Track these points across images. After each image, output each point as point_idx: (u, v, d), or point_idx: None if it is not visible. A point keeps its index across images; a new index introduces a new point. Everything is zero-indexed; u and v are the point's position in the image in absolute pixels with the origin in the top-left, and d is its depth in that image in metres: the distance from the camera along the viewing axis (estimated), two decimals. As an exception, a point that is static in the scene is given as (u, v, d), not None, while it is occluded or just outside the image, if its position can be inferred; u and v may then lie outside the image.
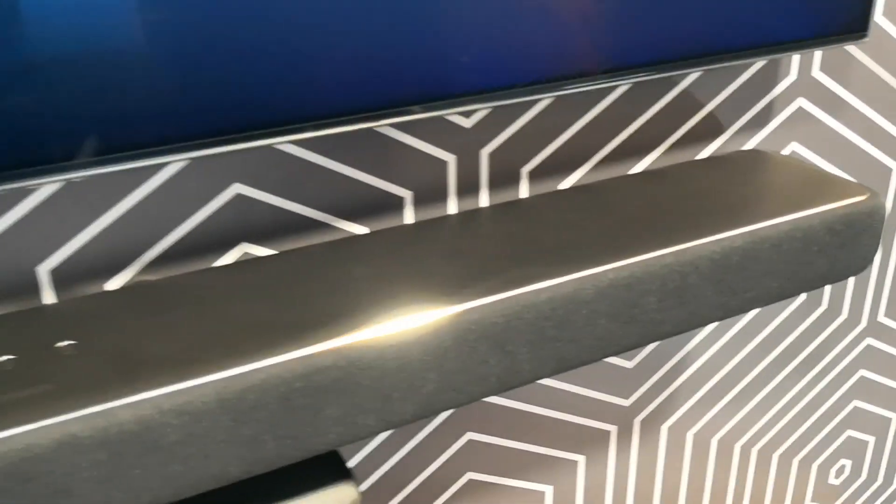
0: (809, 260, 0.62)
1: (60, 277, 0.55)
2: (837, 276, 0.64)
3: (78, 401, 0.43)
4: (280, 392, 0.46)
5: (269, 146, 0.54)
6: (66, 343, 0.48)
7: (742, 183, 0.68)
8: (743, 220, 0.60)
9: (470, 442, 0.77)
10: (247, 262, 0.57)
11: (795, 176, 0.69)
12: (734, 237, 0.58)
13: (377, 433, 0.51)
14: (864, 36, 0.71)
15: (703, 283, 0.58)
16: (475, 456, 0.78)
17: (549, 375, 0.55)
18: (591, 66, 0.62)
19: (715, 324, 0.87)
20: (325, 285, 0.54)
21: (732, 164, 0.72)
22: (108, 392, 0.44)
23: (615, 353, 0.57)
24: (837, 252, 0.63)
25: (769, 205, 0.62)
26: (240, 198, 0.58)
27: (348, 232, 0.64)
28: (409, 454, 0.74)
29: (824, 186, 0.66)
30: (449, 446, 0.76)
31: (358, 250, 0.59)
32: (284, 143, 0.58)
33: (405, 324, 0.50)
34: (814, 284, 0.63)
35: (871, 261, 0.66)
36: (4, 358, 0.47)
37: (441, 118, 0.64)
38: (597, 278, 0.55)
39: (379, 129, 0.62)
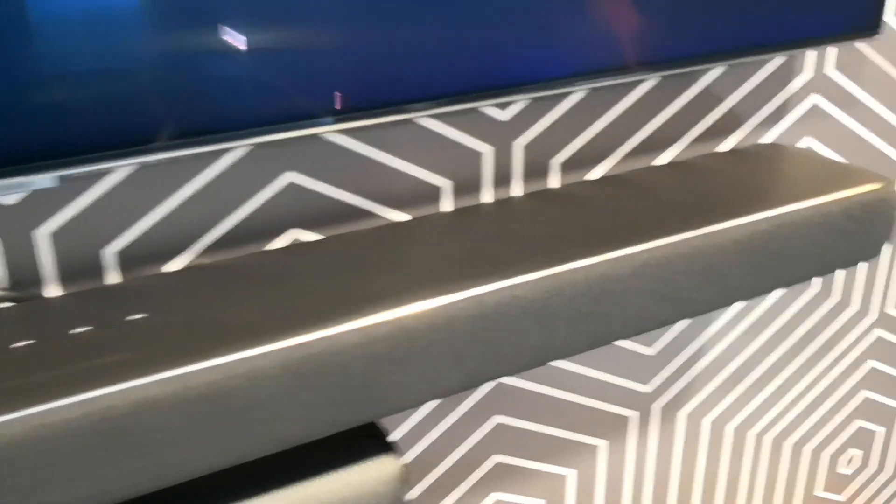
0: (829, 243, 0.65)
1: (125, 259, 0.58)
2: (853, 260, 0.68)
3: (153, 366, 0.46)
4: (338, 361, 0.50)
5: (316, 135, 0.57)
6: (137, 316, 0.51)
7: (763, 173, 0.71)
8: (766, 205, 0.63)
9: (498, 425, 0.80)
10: (297, 246, 0.61)
11: (813, 167, 0.72)
12: (759, 221, 0.62)
13: (425, 402, 0.54)
14: (875, 33, 0.75)
15: (729, 264, 0.61)
16: (502, 439, 0.81)
17: (584, 350, 0.59)
18: (622, 61, 0.65)
19: (732, 313, 0.90)
20: (376, 265, 0.57)
21: (752, 156, 0.75)
22: (181, 359, 0.47)
23: (646, 330, 0.61)
24: (854, 236, 0.66)
25: (790, 192, 0.66)
26: (291, 186, 0.62)
27: (390, 219, 0.67)
28: (439, 437, 0.77)
29: (841, 176, 0.69)
30: (477, 429, 0.79)
31: (403, 235, 0.62)
32: (332, 133, 0.62)
33: (453, 298, 0.53)
34: (831, 267, 0.67)
35: (882, 245, 0.69)
36: (81, 329, 0.50)
37: (479, 111, 0.67)
38: (631, 258, 0.58)
39: (421, 122, 0.65)
